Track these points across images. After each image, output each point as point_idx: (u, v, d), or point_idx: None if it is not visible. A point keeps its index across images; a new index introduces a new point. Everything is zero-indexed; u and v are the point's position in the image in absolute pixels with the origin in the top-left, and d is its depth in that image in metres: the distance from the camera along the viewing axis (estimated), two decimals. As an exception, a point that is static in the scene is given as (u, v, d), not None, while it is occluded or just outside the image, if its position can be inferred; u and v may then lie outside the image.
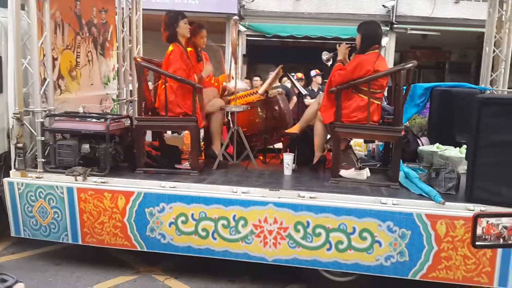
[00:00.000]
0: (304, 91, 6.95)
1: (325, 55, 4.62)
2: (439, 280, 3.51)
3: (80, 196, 3.98)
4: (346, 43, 4.37)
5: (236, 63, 4.85)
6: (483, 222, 2.17)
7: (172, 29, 4.34)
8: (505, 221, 2.20)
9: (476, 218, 2.18)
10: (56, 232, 4.09)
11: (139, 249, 3.97)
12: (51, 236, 4.13)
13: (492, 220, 2.18)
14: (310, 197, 3.66)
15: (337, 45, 4.36)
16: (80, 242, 4.09)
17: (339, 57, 4.29)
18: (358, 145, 5.67)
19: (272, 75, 5.29)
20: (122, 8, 5.97)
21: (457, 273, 3.46)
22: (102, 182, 4.00)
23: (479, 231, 2.18)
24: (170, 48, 4.33)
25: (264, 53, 14.51)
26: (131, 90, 6.24)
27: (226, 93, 5.16)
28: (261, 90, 4.94)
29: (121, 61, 6.01)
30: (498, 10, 5.56)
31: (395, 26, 13.65)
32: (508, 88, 5.73)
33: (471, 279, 3.46)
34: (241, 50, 13.29)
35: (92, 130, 4.16)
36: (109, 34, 5.85)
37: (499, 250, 3.36)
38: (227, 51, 13.47)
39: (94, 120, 4.29)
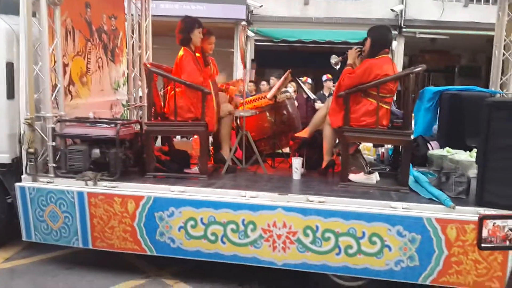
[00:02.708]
0: (312, 95, 6.95)
1: (333, 59, 4.63)
2: (450, 285, 3.47)
3: (91, 201, 4.01)
4: (356, 47, 4.37)
5: (244, 68, 4.88)
6: (489, 224, 2.15)
7: (186, 35, 4.41)
8: (511, 223, 2.18)
9: (481, 220, 2.15)
10: (66, 236, 4.13)
11: (148, 253, 3.99)
12: (62, 241, 4.16)
13: (498, 222, 2.15)
14: (319, 201, 3.66)
15: (347, 50, 4.37)
16: (90, 247, 4.11)
17: (349, 61, 4.29)
18: (367, 149, 5.65)
19: (274, 80, 5.31)
20: (132, 15, 6.04)
21: (467, 278, 3.43)
22: (112, 187, 4.03)
23: (484, 233, 2.16)
24: (181, 53, 4.38)
25: (273, 58, 14.54)
26: (140, 97, 6.28)
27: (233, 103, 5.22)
28: (269, 94, 4.95)
29: (131, 67, 6.07)
30: (508, 13, 5.54)
31: (404, 30, 13.61)
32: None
33: (482, 283, 3.41)
34: (250, 55, 13.34)
35: (102, 135, 4.20)
36: (119, 40, 5.91)
37: (511, 255, 3.33)
38: (235, 56, 13.56)
39: (104, 125, 4.32)
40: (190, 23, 4.45)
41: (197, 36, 4.46)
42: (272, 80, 8.49)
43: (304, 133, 4.67)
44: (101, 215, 4.01)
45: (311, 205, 3.64)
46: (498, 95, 5.51)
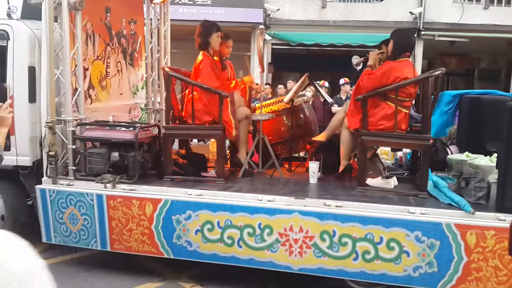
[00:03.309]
0: (329, 99, 6.93)
1: (355, 59, 4.61)
2: (470, 292, 3.43)
3: (109, 203, 4.06)
4: (378, 50, 4.35)
5: (262, 71, 4.89)
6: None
7: (205, 39, 4.45)
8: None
9: (512, 226, 2.12)
10: (85, 238, 4.18)
11: (166, 256, 4.02)
12: (81, 243, 4.22)
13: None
14: (336, 206, 3.64)
15: (368, 52, 4.36)
16: (108, 249, 4.16)
17: (370, 63, 4.27)
18: (385, 154, 5.61)
19: (291, 83, 5.32)
20: (151, 19, 6.09)
21: (487, 285, 3.37)
22: (130, 190, 4.07)
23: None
24: (200, 57, 4.42)
25: (290, 62, 14.52)
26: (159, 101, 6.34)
27: (253, 91, 5.21)
28: (286, 98, 4.95)
29: (150, 71, 6.13)
30: (530, 16, 5.44)
31: (423, 33, 13.45)
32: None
33: (503, 291, 3.36)
34: (267, 58, 13.34)
35: (121, 139, 4.24)
36: (138, 44, 5.97)
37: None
38: (252, 59, 13.59)
39: (123, 128, 4.37)
40: (208, 27, 4.49)
41: (215, 40, 4.49)
42: (289, 83, 8.49)
43: (321, 137, 4.66)
44: (120, 217, 4.05)
45: (328, 210, 3.62)
46: (520, 99, 5.41)
